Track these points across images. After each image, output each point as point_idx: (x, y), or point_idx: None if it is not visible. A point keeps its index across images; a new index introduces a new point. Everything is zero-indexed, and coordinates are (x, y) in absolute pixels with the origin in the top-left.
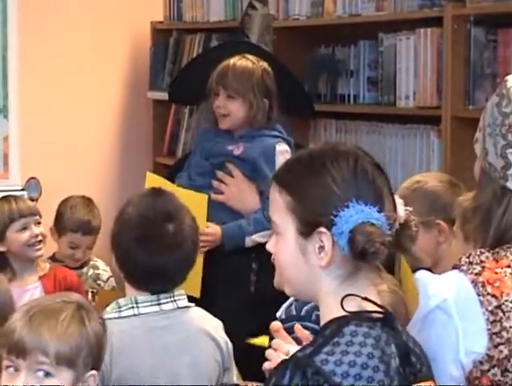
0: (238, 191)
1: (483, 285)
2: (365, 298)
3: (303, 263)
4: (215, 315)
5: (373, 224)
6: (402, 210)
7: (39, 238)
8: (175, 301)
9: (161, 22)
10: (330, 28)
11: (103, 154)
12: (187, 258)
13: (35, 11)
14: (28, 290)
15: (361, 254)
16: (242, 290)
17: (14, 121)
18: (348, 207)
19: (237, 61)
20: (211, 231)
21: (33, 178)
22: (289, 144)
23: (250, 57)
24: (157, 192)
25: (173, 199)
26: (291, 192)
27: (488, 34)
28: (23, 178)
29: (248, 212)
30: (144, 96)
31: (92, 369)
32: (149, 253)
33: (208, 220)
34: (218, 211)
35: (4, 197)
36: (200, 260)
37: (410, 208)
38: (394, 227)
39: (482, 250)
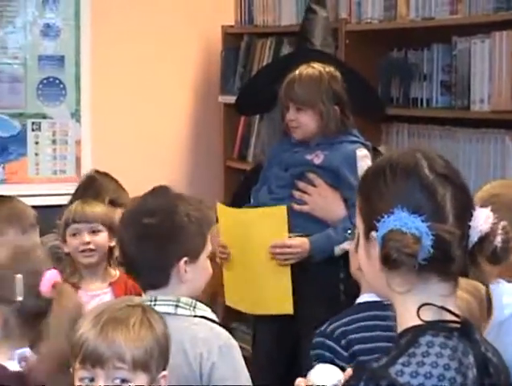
0: (322, 200)
1: None
2: (442, 307)
3: (371, 266)
4: (305, 327)
5: (404, 233)
6: (484, 223)
7: (90, 246)
8: (154, 305)
9: (232, 27)
10: (403, 32)
11: (174, 158)
12: (152, 257)
13: (107, 17)
14: (98, 295)
15: (384, 259)
16: (332, 300)
17: (87, 125)
18: (393, 213)
19: (303, 71)
20: (297, 243)
21: None
22: (367, 148)
23: (316, 65)
24: (155, 190)
25: (165, 199)
26: (360, 196)
27: None
28: None
29: (334, 221)
30: (215, 100)
31: (163, 370)
32: (126, 240)
33: (293, 231)
34: (304, 222)
35: (79, 200)
36: (287, 274)
37: (504, 222)
38: (455, 240)
39: None
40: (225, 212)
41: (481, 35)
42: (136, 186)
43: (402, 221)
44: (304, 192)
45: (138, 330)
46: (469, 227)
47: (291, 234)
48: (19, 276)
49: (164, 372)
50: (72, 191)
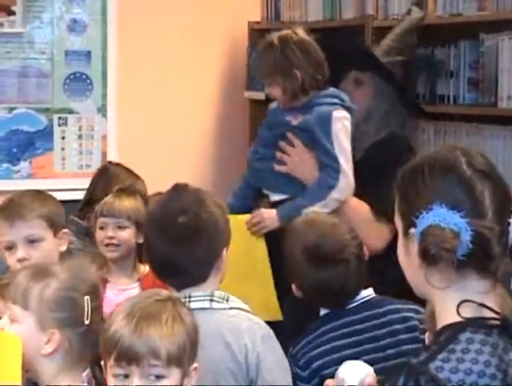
0: (300, 161)
1: None
2: (481, 304)
3: (410, 263)
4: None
5: (443, 228)
6: None
7: (114, 241)
8: (189, 301)
9: (259, 23)
10: (430, 28)
11: (200, 153)
12: (202, 252)
13: (134, 12)
14: (126, 290)
15: (422, 255)
16: None
17: (113, 120)
18: (432, 209)
19: (260, 46)
20: (264, 211)
21: None
22: (350, 111)
23: (276, 33)
24: (177, 188)
25: (192, 194)
26: (399, 192)
27: None
28: None
29: (310, 182)
30: (241, 95)
31: (193, 362)
32: (163, 243)
33: (275, 192)
34: (281, 183)
35: (115, 191)
36: (269, 279)
37: None
38: (495, 237)
39: None
40: (236, 222)
41: (509, 32)
42: (161, 181)
43: (441, 217)
44: (284, 152)
45: (171, 326)
46: (509, 223)
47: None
48: (87, 297)
49: (195, 364)
50: None
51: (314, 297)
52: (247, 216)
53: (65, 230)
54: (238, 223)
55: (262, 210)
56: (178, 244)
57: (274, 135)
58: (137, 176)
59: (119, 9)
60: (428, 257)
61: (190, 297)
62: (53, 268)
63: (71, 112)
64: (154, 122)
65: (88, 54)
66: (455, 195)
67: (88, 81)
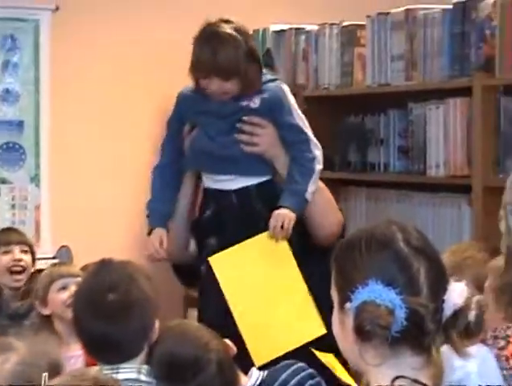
0: (274, 140)
1: (507, 359)
2: (416, 380)
3: (345, 337)
4: None
5: (378, 305)
6: (459, 297)
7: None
8: (117, 373)
9: None
10: (359, 97)
11: (133, 221)
12: (135, 328)
13: (67, 82)
14: (72, 357)
15: (357, 330)
16: None
17: (46, 190)
18: (367, 285)
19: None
20: (283, 213)
21: (64, 246)
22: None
23: (223, 27)
24: (103, 263)
25: (119, 269)
26: (335, 265)
27: None
28: (55, 246)
29: (282, 160)
30: None
31: None
32: (94, 322)
33: (242, 175)
34: (255, 165)
35: (52, 264)
36: (306, 293)
37: (478, 296)
38: (429, 314)
39: (509, 325)
40: (219, 263)
41: (436, 101)
42: (96, 250)
43: (376, 293)
44: (252, 134)
45: None
46: (443, 300)
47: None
48: (45, 374)
49: None
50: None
51: None
52: (266, 232)
53: None
54: (259, 243)
55: (280, 211)
56: (109, 322)
57: (231, 123)
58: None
59: (52, 79)
60: (363, 333)
61: (118, 368)
62: (15, 343)
63: (4, 181)
64: (87, 191)
65: (21, 124)
66: (391, 272)
67: (21, 151)
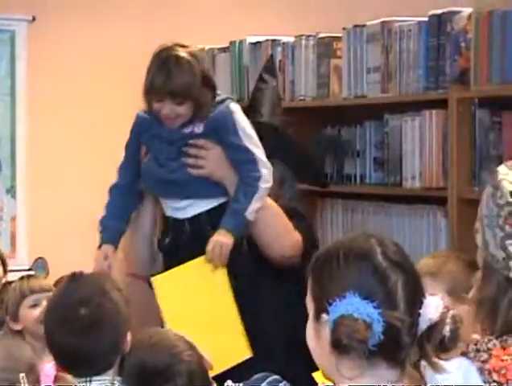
0: (221, 161)
1: (489, 373)
2: None
3: (319, 346)
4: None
5: (355, 319)
6: (434, 311)
7: None
8: (90, 383)
9: None
10: (336, 109)
11: None
12: (107, 342)
13: (43, 94)
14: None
15: (334, 344)
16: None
17: (22, 202)
18: (345, 297)
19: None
20: (219, 237)
21: (40, 257)
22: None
23: (178, 50)
24: (74, 277)
25: (91, 283)
26: (312, 275)
27: (492, 116)
28: (31, 258)
29: (231, 181)
30: None
31: None
32: (66, 336)
33: (192, 198)
34: (204, 188)
35: (20, 277)
36: (235, 314)
37: (453, 311)
38: (405, 327)
39: (490, 337)
40: (161, 283)
41: (412, 113)
42: (72, 262)
43: (354, 306)
44: (197, 157)
45: None
46: (419, 314)
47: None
48: (22, 374)
49: None
50: (7, 268)
51: None
52: (203, 257)
53: None
54: (198, 266)
55: (215, 236)
56: (81, 337)
57: (178, 148)
58: None
59: (28, 90)
60: (340, 347)
61: (91, 380)
62: None
63: None
64: (63, 203)
65: None
66: (369, 285)
67: None
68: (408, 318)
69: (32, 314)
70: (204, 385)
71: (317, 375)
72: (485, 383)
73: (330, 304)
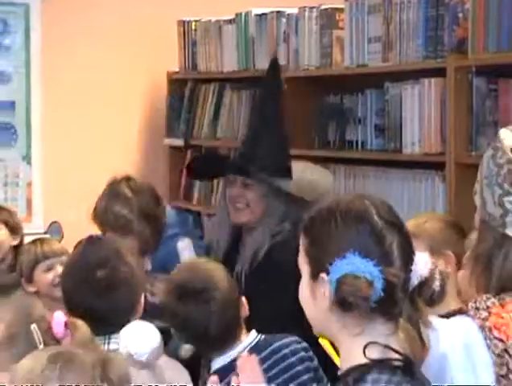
0: None
1: (490, 330)
2: (387, 346)
3: (314, 305)
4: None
5: (358, 277)
6: (424, 268)
7: None
8: (108, 343)
9: (177, 72)
10: (338, 78)
11: None
12: (123, 303)
13: (57, 63)
14: None
15: (340, 303)
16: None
17: (37, 168)
18: (345, 257)
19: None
20: None
21: (55, 221)
22: (192, 233)
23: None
24: (91, 241)
25: (107, 246)
26: (308, 236)
27: (489, 83)
28: (46, 222)
29: None
30: (161, 142)
31: None
32: (83, 296)
33: None
34: None
35: (32, 240)
36: None
37: (440, 265)
38: (400, 283)
39: (488, 295)
40: None
41: (411, 82)
42: (85, 225)
43: (356, 265)
44: None
45: None
46: (410, 270)
47: None
48: (34, 325)
49: None
50: (24, 231)
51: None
52: None
53: None
54: None
55: None
56: (99, 297)
57: None
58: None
59: (42, 61)
60: (345, 305)
61: (110, 338)
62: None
63: None
64: (77, 169)
65: (13, 104)
66: (367, 245)
67: (13, 130)
68: (403, 275)
69: (46, 278)
70: (233, 320)
71: (323, 341)
72: (485, 339)
73: (330, 264)
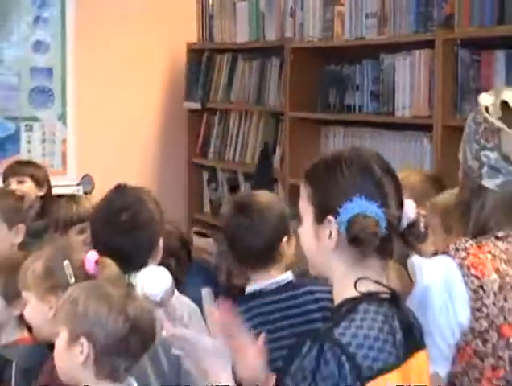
0: None
1: (468, 268)
2: (376, 281)
3: (317, 246)
4: None
5: (367, 216)
6: (411, 211)
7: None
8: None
9: (195, 43)
10: (339, 49)
11: (146, 154)
12: (145, 242)
13: (88, 35)
14: None
15: (353, 240)
16: None
17: (71, 126)
18: (352, 200)
19: None
20: None
21: (87, 174)
22: None
23: None
24: (118, 188)
25: (131, 193)
26: (312, 184)
27: (473, 55)
28: (79, 175)
29: None
30: (180, 106)
31: None
32: (109, 236)
33: None
34: None
35: (69, 197)
36: None
37: (422, 211)
38: (396, 224)
39: (466, 238)
40: None
41: (404, 53)
42: (110, 176)
43: (364, 207)
44: None
45: None
46: (401, 213)
47: None
48: (66, 262)
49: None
50: (60, 183)
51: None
52: None
53: (21, 225)
54: None
55: None
56: (123, 236)
57: None
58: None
59: (76, 31)
60: (357, 241)
61: (129, 277)
62: (41, 252)
63: (35, 120)
64: (106, 128)
65: (50, 70)
66: (370, 189)
67: (50, 93)
68: (398, 216)
69: (79, 239)
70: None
71: None
72: (463, 276)
73: (340, 207)
